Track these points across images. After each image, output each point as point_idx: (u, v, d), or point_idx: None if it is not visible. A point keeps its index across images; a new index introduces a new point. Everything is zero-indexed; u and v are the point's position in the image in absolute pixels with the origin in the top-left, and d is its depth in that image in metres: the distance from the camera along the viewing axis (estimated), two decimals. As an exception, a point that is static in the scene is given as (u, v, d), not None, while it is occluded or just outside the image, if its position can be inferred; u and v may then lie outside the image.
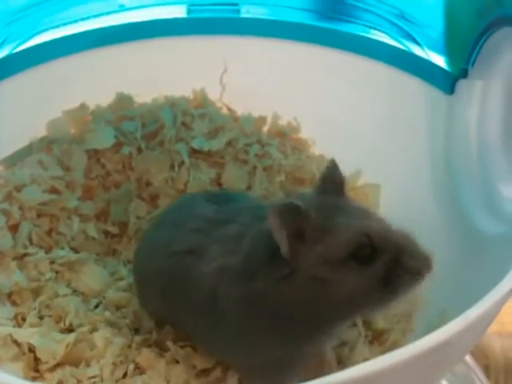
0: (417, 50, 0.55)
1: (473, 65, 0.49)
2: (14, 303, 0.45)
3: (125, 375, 0.41)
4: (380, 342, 0.44)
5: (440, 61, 0.53)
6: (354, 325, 0.45)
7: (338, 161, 0.55)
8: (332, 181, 0.40)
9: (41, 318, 0.45)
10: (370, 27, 0.57)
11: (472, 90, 0.49)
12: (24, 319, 0.44)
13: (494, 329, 0.64)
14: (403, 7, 0.56)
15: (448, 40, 0.52)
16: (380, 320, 0.45)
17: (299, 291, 0.37)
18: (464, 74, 0.50)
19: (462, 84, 0.50)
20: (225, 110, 0.59)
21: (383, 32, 0.56)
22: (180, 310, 0.41)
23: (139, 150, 0.54)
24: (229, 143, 0.56)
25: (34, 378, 0.40)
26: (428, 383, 0.38)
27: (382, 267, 0.37)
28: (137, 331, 0.45)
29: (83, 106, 0.56)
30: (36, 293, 0.46)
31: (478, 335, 0.39)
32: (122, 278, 0.48)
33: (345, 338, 0.44)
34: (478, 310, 0.32)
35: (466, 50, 0.49)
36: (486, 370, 0.60)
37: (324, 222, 0.37)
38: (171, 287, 0.41)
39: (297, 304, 0.37)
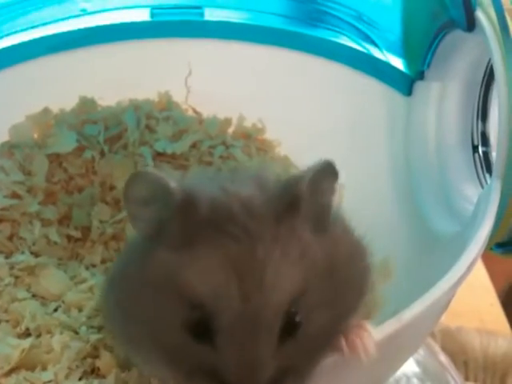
0: (376, 53, 0.55)
1: (429, 67, 0.50)
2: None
3: (81, 379, 0.40)
4: None
5: (398, 63, 0.53)
6: None
7: (302, 161, 0.56)
8: None
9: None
10: (332, 30, 0.57)
11: (429, 91, 0.50)
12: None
13: (473, 325, 0.65)
14: (361, 9, 0.56)
15: (405, 42, 0.53)
16: None
17: None
18: (421, 75, 0.51)
19: (419, 85, 0.51)
20: (190, 113, 0.59)
21: (344, 35, 0.57)
22: None
23: (102, 154, 0.54)
24: (193, 145, 0.56)
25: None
26: (377, 379, 0.39)
27: None
28: (100, 330, 0.44)
29: (46, 111, 0.55)
30: (-6, 298, 0.46)
31: (416, 342, 0.40)
32: (83, 281, 0.47)
33: None
34: (412, 311, 0.33)
35: (422, 52, 0.50)
36: (465, 366, 0.61)
37: None
38: None
39: None
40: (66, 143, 0.53)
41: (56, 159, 0.53)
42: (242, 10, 0.60)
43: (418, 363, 0.55)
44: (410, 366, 0.54)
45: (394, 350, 0.36)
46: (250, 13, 0.60)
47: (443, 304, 0.38)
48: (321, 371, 0.32)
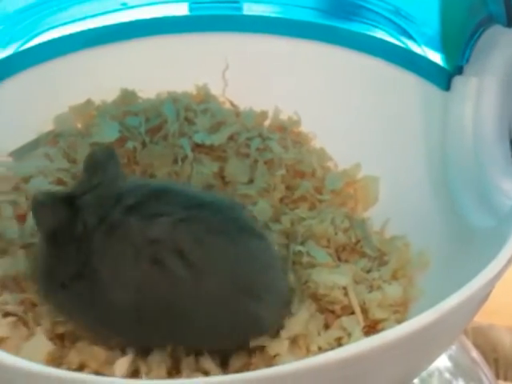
0: (414, 47, 0.55)
1: (467, 61, 0.50)
2: (22, 290, 0.45)
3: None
4: (376, 331, 0.45)
5: (437, 57, 0.53)
6: (352, 313, 0.45)
7: (337, 154, 0.57)
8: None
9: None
10: (369, 24, 0.57)
11: (467, 86, 0.50)
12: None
13: (505, 323, 0.64)
14: (399, 4, 0.56)
15: (443, 37, 0.53)
16: (377, 310, 0.45)
17: None
18: (459, 70, 0.50)
19: (457, 80, 0.51)
20: (227, 105, 0.60)
21: (381, 29, 0.57)
22: None
23: (143, 145, 0.54)
24: (231, 137, 0.56)
25: None
26: (413, 369, 0.39)
27: None
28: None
29: (89, 102, 0.56)
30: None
31: (452, 334, 0.40)
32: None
33: (344, 326, 0.44)
34: (451, 302, 0.33)
35: (460, 47, 0.49)
36: (496, 364, 0.61)
37: None
38: None
39: None
40: (108, 133, 0.53)
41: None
42: (278, 4, 0.60)
43: (450, 358, 0.55)
44: (442, 361, 0.55)
45: (431, 342, 0.37)
46: (287, 7, 0.60)
47: (481, 298, 0.38)
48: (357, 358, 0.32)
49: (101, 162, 0.42)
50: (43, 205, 0.40)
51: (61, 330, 0.43)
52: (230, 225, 0.41)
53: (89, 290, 0.40)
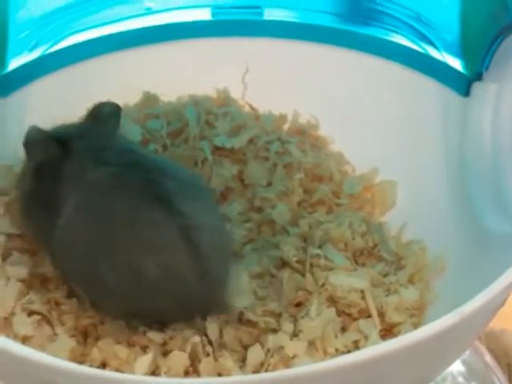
0: (433, 53, 0.55)
1: (487, 68, 0.50)
2: (47, 290, 0.46)
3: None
4: (392, 334, 0.45)
5: (456, 63, 0.53)
6: (369, 316, 0.46)
7: (355, 158, 0.57)
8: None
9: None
10: (388, 29, 0.57)
11: (487, 92, 0.50)
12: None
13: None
14: (420, 10, 0.56)
15: (463, 43, 0.53)
16: (393, 313, 0.46)
17: None
18: (479, 76, 0.50)
19: (476, 86, 0.51)
20: (247, 109, 0.60)
21: (401, 34, 0.57)
22: None
23: (164, 147, 0.55)
24: (250, 141, 0.56)
25: None
26: (429, 373, 0.39)
27: None
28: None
29: (112, 105, 0.58)
30: None
31: (470, 338, 0.41)
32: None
33: (361, 329, 0.45)
34: (471, 305, 0.33)
35: (480, 53, 0.49)
36: (509, 368, 0.61)
37: None
38: None
39: None
40: (130, 135, 0.53)
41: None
42: (298, 9, 0.60)
43: (464, 362, 0.55)
44: (455, 365, 0.55)
45: (448, 346, 0.37)
46: (307, 12, 0.60)
47: (499, 302, 0.38)
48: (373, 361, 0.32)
49: (105, 114, 0.46)
50: (36, 140, 0.44)
51: (84, 328, 0.44)
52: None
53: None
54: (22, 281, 0.45)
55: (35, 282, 0.46)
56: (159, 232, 0.41)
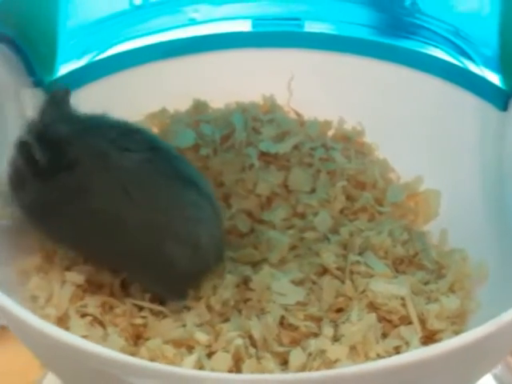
0: (472, 67, 0.55)
1: (526, 83, 0.49)
2: (102, 294, 0.47)
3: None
4: (433, 341, 0.45)
5: (494, 78, 0.53)
6: (410, 323, 0.46)
7: (399, 165, 0.57)
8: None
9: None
10: (427, 43, 0.58)
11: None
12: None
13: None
14: (459, 25, 0.56)
15: (502, 58, 0.52)
16: (434, 321, 0.45)
17: None
18: (517, 91, 0.49)
19: (515, 101, 0.49)
20: (292, 115, 0.60)
21: (439, 48, 0.57)
22: None
23: (215, 152, 0.55)
24: (295, 147, 0.56)
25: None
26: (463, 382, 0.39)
27: None
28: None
29: (164, 111, 0.58)
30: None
31: (506, 348, 0.40)
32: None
33: (403, 335, 0.45)
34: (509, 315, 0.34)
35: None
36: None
37: None
38: None
39: None
40: (185, 139, 0.55)
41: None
42: (338, 22, 0.61)
43: (495, 377, 0.54)
44: (487, 380, 0.54)
45: (487, 354, 0.37)
46: (347, 25, 0.61)
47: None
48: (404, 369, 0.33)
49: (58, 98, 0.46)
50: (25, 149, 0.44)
51: (134, 329, 0.44)
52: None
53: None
54: (78, 286, 0.46)
55: (90, 288, 0.46)
56: (200, 209, 0.46)
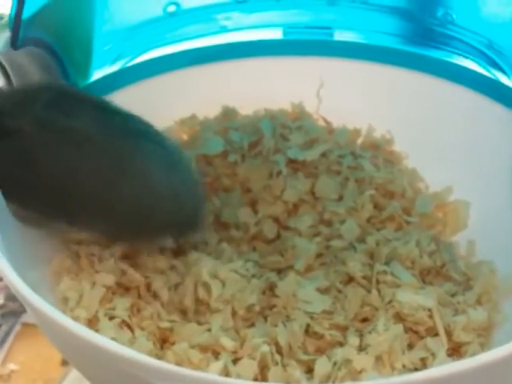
0: (503, 79, 0.54)
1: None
2: (131, 297, 0.47)
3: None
4: (459, 354, 0.44)
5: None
6: (436, 334, 0.45)
7: (428, 175, 0.56)
8: None
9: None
10: (458, 54, 0.57)
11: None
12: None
13: None
14: (492, 37, 0.55)
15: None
16: (461, 333, 0.45)
17: None
18: (547, 104, 0.48)
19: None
20: (321, 122, 0.60)
21: (470, 59, 0.56)
22: None
23: (243, 159, 0.55)
24: (323, 154, 0.56)
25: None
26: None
27: None
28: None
29: (193, 117, 0.58)
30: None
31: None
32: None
33: (429, 346, 0.44)
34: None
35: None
36: None
37: None
38: None
39: None
40: (213, 146, 0.55)
41: (203, 159, 0.56)
42: (369, 31, 0.61)
43: None
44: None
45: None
46: (377, 35, 0.61)
47: None
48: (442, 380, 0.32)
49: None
50: None
51: (161, 333, 0.44)
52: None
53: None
54: (108, 288, 0.46)
55: (119, 290, 0.46)
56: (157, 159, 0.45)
